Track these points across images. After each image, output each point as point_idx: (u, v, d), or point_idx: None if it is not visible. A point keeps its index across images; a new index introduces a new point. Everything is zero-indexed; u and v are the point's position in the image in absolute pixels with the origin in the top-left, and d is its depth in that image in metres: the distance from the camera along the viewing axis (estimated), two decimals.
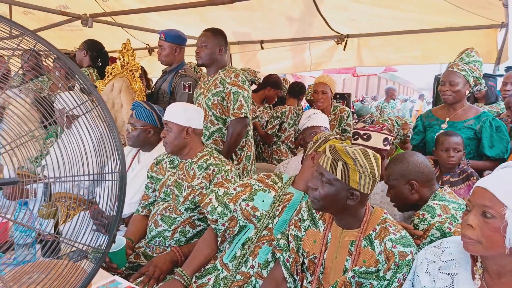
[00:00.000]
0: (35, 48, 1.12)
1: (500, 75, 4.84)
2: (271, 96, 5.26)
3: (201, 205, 2.34)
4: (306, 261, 1.96)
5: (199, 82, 3.56)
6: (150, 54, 7.14)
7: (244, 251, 2.18)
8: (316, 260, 1.91)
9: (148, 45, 7.00)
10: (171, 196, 2.63)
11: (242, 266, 2.16)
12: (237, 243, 2.23)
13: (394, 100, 10.89)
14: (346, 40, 5.36)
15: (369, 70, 13.21)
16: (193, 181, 2.53)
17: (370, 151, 1.79)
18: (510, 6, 3.42)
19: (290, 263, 1.98)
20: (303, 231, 1.99)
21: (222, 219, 2.26)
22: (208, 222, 2.34)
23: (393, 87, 11.62)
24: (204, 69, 4.10)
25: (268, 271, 2.12)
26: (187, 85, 3.75)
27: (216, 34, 3.40)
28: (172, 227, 2.53)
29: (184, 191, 2.53)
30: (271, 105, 5.49)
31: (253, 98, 4.38)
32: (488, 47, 4.36)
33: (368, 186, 1.75)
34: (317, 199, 1.80)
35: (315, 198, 1.81)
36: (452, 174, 2.82)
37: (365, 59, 5.46)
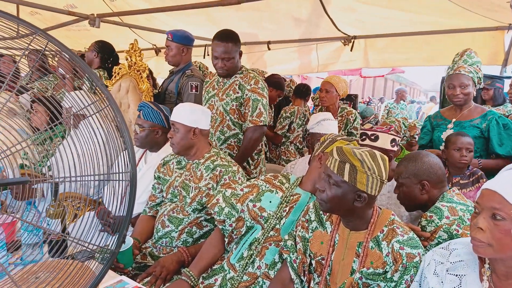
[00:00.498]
0: (45, 48, 1.12)
1: (508, 77, 4.82)
2: (273, 97, 5.24)
3: (208, 206, 2.35)
4: (313, 262, 1.96)
5: (210, 82, 3.51)
6: (157, 55, 7.17)
7: (251, 252, 2.18)
8: (323, 261, 1.91)
9: (155, 45, 7.02)
10: (178, 197, 2.63)
11: (249, 267, 2.16)
12: (244, 243, 2.23)
13: (404, 101, 10.87)
14: (353, 41, 5.36)
15: (376, 71, 13.18)
16: (200, 182, 2.53)
17: (377, 153, 1.78)
18: None
19: (297, 264, 1.98)
20: (311, 232, 1.99)
21: (229, 220, 2.26)
22: (215, 222, 2.34)
23: (404, 88, 11.61)
24: (210, 67, 4.09)
25: (275, 272, 2.12)
26: (194, 86, 3.74)
27: (236, 42, 3.25)
28: (179, 227, 2.54)
29: (191, 192, 2.54)
30: (272, 106, 5.49)
31: None
32: (495, 49, 4.36)
33: (375, 188, 1.74)
34: (325, 201, 1.80)
35: (322, 200, 1.81)
36: (461, 176, 2.81)
37: (372, 60, 5.46)
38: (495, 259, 1.45)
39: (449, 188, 2.20)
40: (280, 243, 2.14)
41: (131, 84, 4.00)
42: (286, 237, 2.09)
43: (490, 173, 2.81)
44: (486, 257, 1.49)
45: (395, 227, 1.78)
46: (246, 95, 3.23)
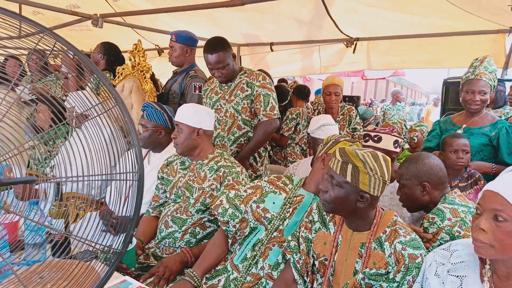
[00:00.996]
0: (53, 48, 1.13)
1: (509, 80, 4.83)
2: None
3: (212, 207, 2.36)
4: (316, 263, 1.96)
5: (211, 88, 3.50)
6: (159, 55, 7.17)
7: (255, 253, 2.19)
8: (326, 262, 1.92)
9: (157, 46, 7.03)
10: (181, 198, 2.64)
11: (252, 268, 2.17)
12: (247, 244, 2.24)
13: (400, 102, 10.89)
14: (356, 43, 5.37)
15: (378, 74, 13.18)
16: (204, 183, 2.54)
17: (380, 154, 1.79)
18: None
19: (301, 264, 1.99)
20: (314, 233, 2.00)
21: (233, 221, 2.27)
22: (219, 223, 2.35)
23: (400, 90, 11.61)
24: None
25: (279, 273, 2.12)
26: (197, 86, 3.75)
27: (226, 49, 3.21)
28: (183, 228, 2.55)
29: (195, 193, 2.55)
30: None
31: None
32: (496, 52, 4.37)
33: (378, 188, 1.75)
34: (327, 201, 1.81)
35: (325, 200, 1.82)
36: (460, 179, 2.82)
37: (374, 63, 5.47)
38: (496, 260, 1.46)
39: (451, 190, 2.21)
40: (283, 244, 2.15)
41: (134, 84, 4.02)
42: (290, 238, 2.10)
43: (489, 176, 2.83)
44: (488, 258, 1.50)
45: (397, 228, 1.79)
46: (257, 91, 3.25)
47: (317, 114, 4.79)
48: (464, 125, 3.11)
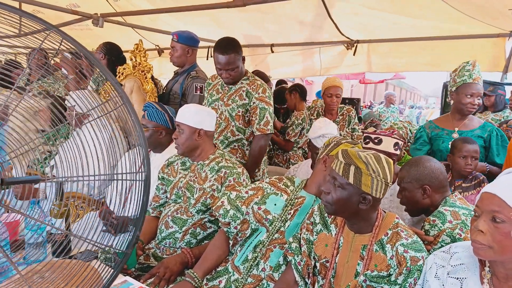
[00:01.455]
0: (60, 45, 1.12)
1: (509, 84, 4.85)
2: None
3: (213, 208, 2.35)
4: (317, 264, 1.97)
5: (213, 84, 3.50)
6: (159, 55, 7.16)
7: (256, 254, 2.19)
8: (327, 264, 1.92)
9: (158, 46, 7.02)
10: (182, 198, 2.63)
11: (253, 269, 2.17)
12: (248, 246, 2.24)
13: (393, 105, 10.95)
14: (356, 45, 5.37)
15: (377, 77, 13.23)
16: (204, 184, 2.54)
17: (382, 156, 1.80)
18: None
19: (302, 266, 1.99)
20: (315, 235, 2.00)
21: (235, 222, 2.27)
22: (220, 225, 2.35)
23: (393, 92, 11.70)
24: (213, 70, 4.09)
25: (280, 274, 2.12)
26: (198, 87, 3.75)
27: (238, 51, 3.19)
28: (183, 228, 2.54)
29: (196, 193, 2.54)
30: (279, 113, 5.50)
31: None
32: (496, 55, 4.40)
33: (380, 190, 1.75)
34: (330, 203, 1.81)
35: (327, 202, 1.82)
36: (464, 180, 2.83)
37: (375, 65, 5.48)
38: (495, 262, 1.48)
39: (452, 193, 2.21)
40: (284, 246, 2.14)
41: (135, 84, 4.01)
42: (291, 239, 2.10)
43: (493, 178, 2.84)
44: (487, 260, 1.51)
45: (399, 231, 1.79)
46: (254, 103, 3.25)
47: (316, 116, 4.81)
48: (457, 128, 3.13)
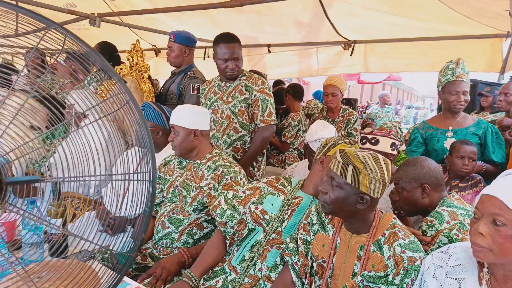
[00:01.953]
0: (64, 42, 1.11)
1: None
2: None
3: (210, 207, 2.35)
4: (315, 265, 1.96)
5: (209, 88, 3.50)
6: (156, 55, 7.16)
7: (253, 254, 2.19)
8: (324, 264, 1.92)
9: (155, 46, 7.01)
10: (178, 197, 2.63)
11: (250, 269, 2.17)
12: (245, 246, 2.24)
13: (388, 105, 10.99)
14: (353, 46, 5.38)
15: (373, 77, 13.26)
16: (201, 182, 2.53)
17: (380, 156, 1.80)
18: None
19: (299, 266, 1.98)
20: (312, 235, 2.00)
21: (231, 222, 2.27)
22: (217, 224, 2.34)
23: (387, 93, 11.74)
24: (210, 70, 4.07)
25: (277, 275, 2.12)
26: (195, 87, 3.74)
27: (239, 42, 3.33)
28: (180, 228, 2.53)
29: (192, 192, 2.54)
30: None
31: None
32: (493, 56, 4.41)
33: (377, 190, 1.75)
34: (327, 203, 1.81)
35: (325, 202, 1.82)
36: (460, 180, 2.84)
37: (372, 65, 5.48)
38: (494, 263, 1.47)
39: (449, 193, 2.21)
40: (281, 246, 2.14)
41: (132, 84, 4.00)
42: (288, 239, 2.09)
43: (490, 178, 2.85)
44: (487, 262, 1.50)
45: (396, 231, 1.79)
46: (255, 95, 3.28)
47: (313, 117, 4.81)
48: (450, 127, 3.13)
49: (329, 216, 1.98)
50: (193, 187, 2.55)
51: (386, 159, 1.80)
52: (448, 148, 2.98)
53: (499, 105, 4.20)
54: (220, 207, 2.29)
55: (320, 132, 3.03)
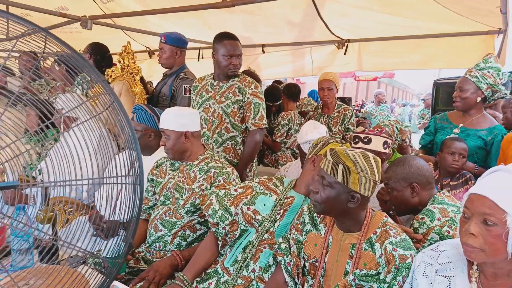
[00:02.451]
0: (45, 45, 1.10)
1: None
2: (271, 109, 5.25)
3: (202, 207, 2.34)
4: (307, 264, 1.96)
5: (201, 85, 3.49)
6: (150, 57, 7.13)
7: (245, 255, 2.18)
8: (317, 264, 1.91)
9: (148, 47, 6.99)
10: (171, 200, 2.61)
11: (243, 270, 2.16)
12: (238, 247, 2.23)
13: (383, 103, 11.03)
14: (347, 45, 5.37)
15: (370, 73, 13.29)
16: (193, 184, 2.52)
17: (370, 154, 1.79)
18: (509, 12, 3.43)
19: (292, 266, 1.98)
20: (304, 235, 1.99)
21: (223, 223, 2.26)
22: (209, 225, 2.33)
23: (382, 91, 11.76)
24: (206, 70, 4.06)
25: (270, 275, 2.12)
26: (188, 89, 3.73)
27: (239, 40, 3.39)
28: (172, 231, 2.52)
29: (185, 194, 2.52)
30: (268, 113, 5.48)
31: None
32: (485, 52, 4.37)
33: (368, 188, 1.75)
34: (318, 202, 1.80)
35: (316, 201, 1.81)
36: (451, 178, 2.84)
37: (365, 64, 5.47)
38: (485, 262, 1.46)
39: (439, 191, 2.20)
40: (274, 246, 2.14)
41: (124, 87, 3.98)
42: (280, 240, 2.09)
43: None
44: (478, 261, 1.49)
45: (388, 229, 1.79)
46: (248, 98, 3.30)
47: (308, 115, 4.81)
48: (461, 125, 3.11)
49: (321, 215, 1.97)
50: (186, 189, 2.54)
51: (376, 157, 1.79)
52: None
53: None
54: (212, 207, 2.29)
55: (311, 133, 3.03)
